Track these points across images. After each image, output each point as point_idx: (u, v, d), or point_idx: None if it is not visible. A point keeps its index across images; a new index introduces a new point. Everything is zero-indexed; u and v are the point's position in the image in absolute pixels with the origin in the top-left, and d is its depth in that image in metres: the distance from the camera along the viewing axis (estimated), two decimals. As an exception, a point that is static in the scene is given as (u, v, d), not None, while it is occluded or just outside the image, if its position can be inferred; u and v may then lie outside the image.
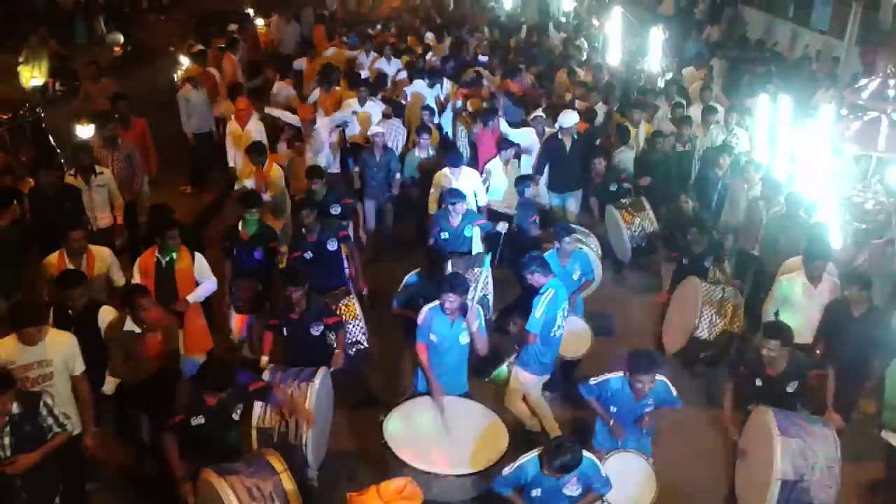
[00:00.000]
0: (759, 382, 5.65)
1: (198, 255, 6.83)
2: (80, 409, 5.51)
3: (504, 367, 6.72)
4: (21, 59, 14.81)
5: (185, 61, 14.21)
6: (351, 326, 6.79)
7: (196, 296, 6.74)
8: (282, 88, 12.25)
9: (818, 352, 6.44)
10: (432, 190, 9.15)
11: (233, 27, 16.81)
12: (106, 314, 5.96)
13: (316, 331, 6.26)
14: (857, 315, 6.37)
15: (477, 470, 5.29)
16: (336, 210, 8.18)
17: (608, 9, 17.72)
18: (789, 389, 5.61)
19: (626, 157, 10.14)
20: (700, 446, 6.79)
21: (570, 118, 9.67)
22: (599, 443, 5.78)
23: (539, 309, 6.25)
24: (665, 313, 8.07)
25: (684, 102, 11.58)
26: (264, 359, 6.27)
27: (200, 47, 14.06)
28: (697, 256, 7.79)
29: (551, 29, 19.32)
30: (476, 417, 5.80)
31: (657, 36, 14.47)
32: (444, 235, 8.00)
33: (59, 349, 5.38)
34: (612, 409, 5.58)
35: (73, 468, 5.43)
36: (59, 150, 10.78)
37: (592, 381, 5.60)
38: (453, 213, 7.94)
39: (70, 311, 5.85)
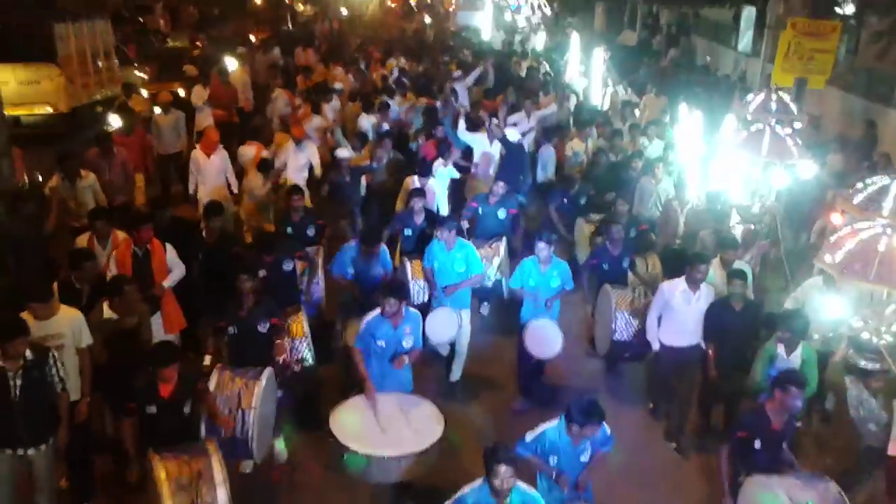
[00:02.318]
0: (758, 444, 5.38)
1: (168, 246, 7.36)
2: (81, 378, 5.98)
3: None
4: None
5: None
6: (297, 343, 6.85)
7: (171, 281, 7.32)
8: (280, 94, 13.42)
9: (710, 353, 6.72)
10: (402, 193, 9.59)
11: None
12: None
13: (263, 328, 6.34)
14: (738, 309, 6.68)
15: (414, 451, 5.42)
16: (311, 232, 8.38)
17: (568, 42, 19.19)
18: (785, 445, 5.49)
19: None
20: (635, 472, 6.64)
21: (511, 134, 10.85)
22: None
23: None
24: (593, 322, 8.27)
25: (639, 124, 12.67)
26: (207, 358, 6.61)
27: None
28: (616, 258, 7.92)
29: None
30: (416, 407, 5.95)
31: (599, 57, 15.78)
32: (407, 233, 8.31)
33: (69, 323, 5.92)
34: (553, 459, 5.17)
35: (77, 433, 5.84)
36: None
37: (528, 436, 5.21)
38: (416, 211, 8.30)
39: (79, 287, 6.51)
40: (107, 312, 6.29)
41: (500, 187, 9.01)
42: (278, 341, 6.44)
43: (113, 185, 9.53)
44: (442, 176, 10.10)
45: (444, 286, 7.47)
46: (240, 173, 10.36)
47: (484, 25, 27.41)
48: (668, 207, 9.50)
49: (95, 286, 6.59)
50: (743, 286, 6.70)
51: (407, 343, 6.21)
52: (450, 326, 7.30)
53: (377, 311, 6.18)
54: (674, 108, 13.31)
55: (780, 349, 6.21)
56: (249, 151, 10.64)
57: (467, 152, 11.17)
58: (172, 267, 7.36)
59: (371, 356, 6.19)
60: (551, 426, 5.21)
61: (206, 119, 12.63)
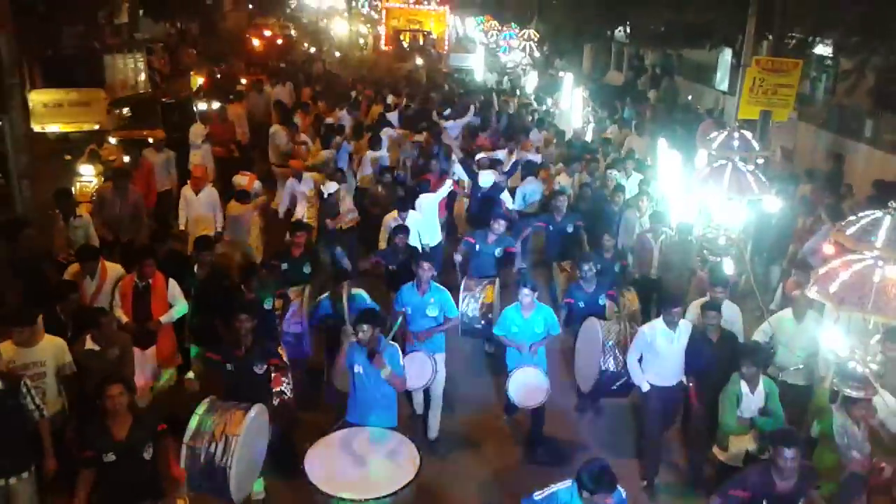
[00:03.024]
0: None
1: (171, 281, 7.50)
2: (67, 405, 6.18)
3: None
4: None
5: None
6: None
7: (168, 317, 7.46)
8: (278, 130, 13.82)
9: (691, 386, 6.88)
10: (382, 230, 9.69)
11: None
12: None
13: (259, 369, 6.29)
14: (714, 340, 6.86)
15: (383, 494, 5.31)
16: (307, 269, 8.40)
17: (560, 82, 19.89)
18: None
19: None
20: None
21: (486, 178, 11.18)
22: None
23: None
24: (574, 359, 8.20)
25: (622, 157, 13.21)
26: (191, 373, 6.82)
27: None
28: (591, 295, 7.98)
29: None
30: (392, 445, 5.83)
31: (580, 96, 16.42)
32: (392, 268, 8.45)
33: (52, 351, 6.10)
34: None
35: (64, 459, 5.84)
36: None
37: (537, 495, 4.89)
38: (400, 248, 8.46)
39: (62, 317, 6.71)
40: (89, 344, 6.43)
41: (500, 225, 9.04)
42: (277, 376, 6.44)
43: (123, 221, 9.75)
44: (430, 207, 10.33)
45: (417, 331, 7.33)
46: None
47: (476, 67, 28.25)
48: (641, 240, 9.77)
49: (79, 318, 6.71)
50: (717, 317, 6.86)
51: (385, 374, 6.04)
52: (424, 372, 7.19)
53: (354, 338, 6.14)
54: (654, 145, 13.69)
55: (744, 387, 6.31)
56: (241, 181, 11.07)
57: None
58: (174, 302, 7.48)
59: (352, 386, 6.14)
60: (563, 487, 4.86)
61: (200, 157, 12.91)
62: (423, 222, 9.86)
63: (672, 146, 11.77)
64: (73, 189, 11.02)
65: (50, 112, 16.30)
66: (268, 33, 36.13)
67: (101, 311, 6.73)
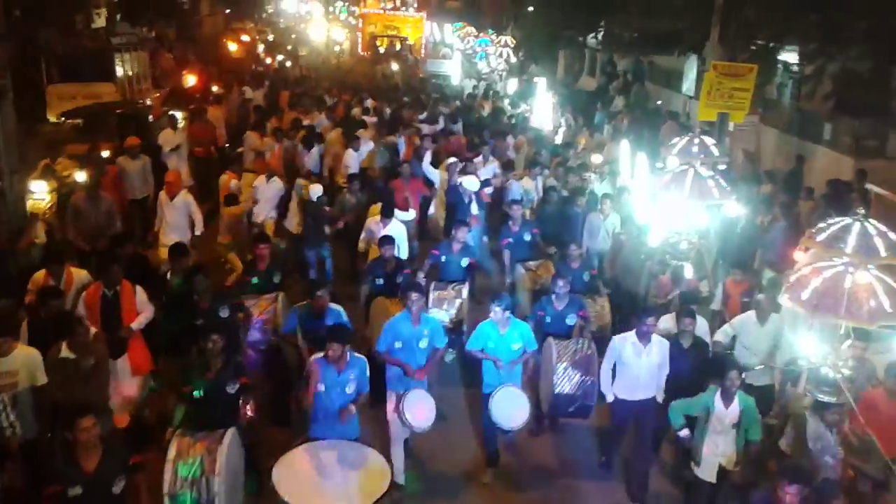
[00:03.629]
0: None
1: (138, 288, 7.40)
2: (36, 417, 6.14)
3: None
4: None
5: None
6: None
7: (138, 323, 7.35)
8: (249, 135, 14.02)
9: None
10: (365, 232, 9.92)
11: None
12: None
13: (231, 388, 6.14)
14: (687, 346, 6.95)
15: None
16: (276, 279, 8.29)
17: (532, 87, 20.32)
18: None
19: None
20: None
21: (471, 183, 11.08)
22: None
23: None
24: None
25: (586, 163, 13.29)
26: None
27: None
28: (559, 313, 7.77)
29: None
30: (360, 457, 5.83)
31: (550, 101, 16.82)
32: (379, 282, 8.34)
33: (24, 362, 6.06)
34: None
35: (36, 471, 5.92)
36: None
37: None
38: (387, 259, 8.35)
39: (45, 321, 6.69)
40: (64, 352, 6.33)
41: (464, 233, 9.09)
42: (248, 404, 6.25)
43: (98, 229, 9.69)
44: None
45: (415, 368, 6.88)
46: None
47: (453, 72, 28.65)
48: (616, 241, 9.96)
49: (56, 325, 6.59)
50: (692, 324, 6.98)
51: (349, 389, 6.08)
52: (430, 410, 6.79)
53: (321, 354, 6.13)
54: (615, 147, 13.86)
55: (718, 401, 6.23)
56: (224, 180, 11.46)
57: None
58: (142, 309, 7.40)
59: (315, 401, 6.06)
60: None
61: (175, 163, 13.06)
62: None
63: (639, 149, 12.21)
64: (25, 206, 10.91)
65: (65, 104, 17.66)
66: (245, 38, 36.30)
67: (76, 318, 6.61)
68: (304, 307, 7.28)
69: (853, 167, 13.02)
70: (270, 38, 42.54)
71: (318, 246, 10.40)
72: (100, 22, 31.59)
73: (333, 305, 7.29)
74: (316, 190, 10.58)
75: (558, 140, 16.26)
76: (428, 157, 12.35)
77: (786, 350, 7.14)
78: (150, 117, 15.76)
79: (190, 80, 22.85)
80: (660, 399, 6.99)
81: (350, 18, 48.51)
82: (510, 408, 6.91)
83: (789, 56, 17.24)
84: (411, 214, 11.21)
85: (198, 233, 10.31)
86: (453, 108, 19.10)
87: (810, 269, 5.76)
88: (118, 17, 31.97)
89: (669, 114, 18.54)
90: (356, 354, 6.32)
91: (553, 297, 7.76)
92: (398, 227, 9.81)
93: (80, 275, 7.70)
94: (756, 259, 10.07)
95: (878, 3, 12.86)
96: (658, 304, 8.57)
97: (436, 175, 12.13)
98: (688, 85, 18.88)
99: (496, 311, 6.99)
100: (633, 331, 6.89)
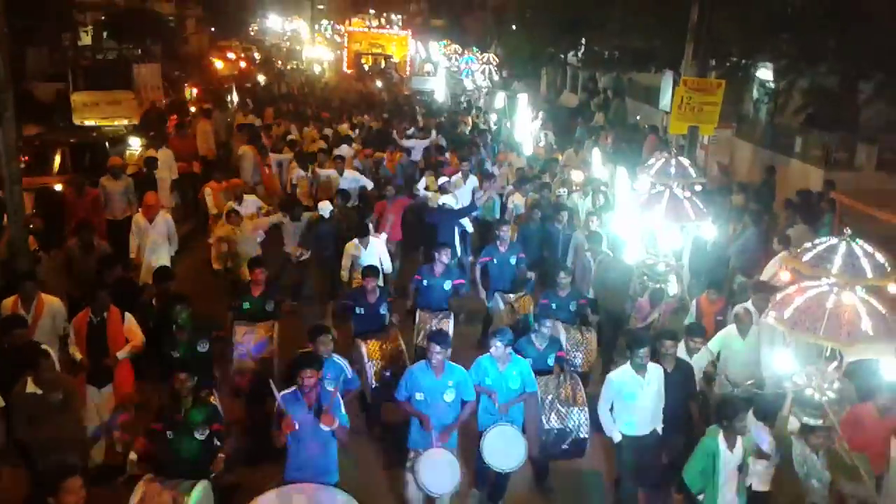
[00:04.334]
0: None
1: (127, 315, 7.06)
2: None
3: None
4: None
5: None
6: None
7: (125, 352, 6.98)
8: (247, 151, 13.83)
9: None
10: (344, 260, 9.48)
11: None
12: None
13: (201, 434, 5.63)
14: (670, 370, 6.63)
15: None
16: (269, 307, 7.96)
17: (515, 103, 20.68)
18: None
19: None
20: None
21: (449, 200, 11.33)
22: None
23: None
24: None
25: (565, 179, 13.29)
26: (133, 456, 5.97)
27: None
28: (541, 352, 7.21)
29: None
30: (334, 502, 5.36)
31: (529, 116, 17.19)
32: (360, 311, 7.89)
33: None
34: None
35: None
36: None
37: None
38: (370, 290, 7.89)
39: (7, 346, 6.39)
40: (30, 387, 5.93)
41: (446, 255, 8.66)
42: (221, 455, 5.73)
43: (92, 276, 8.82)
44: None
45: (436, 424, 6.15)
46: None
47: (438, 89, 29.11)
48: (581, 259, 9.70)
49: (23, 355, 6.18)
50: (673, 346, 6.73)
51: (332, 427, 5.47)
52: (453, 474, 6.07)
53: (289, 389, 5.55)
54: (598, 165, 13.52)
55: (722, 443, 5.72)
56: (208, 190, 11.50)
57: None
58: (130, 337, 7.06)
59: (288, 442, 5.49)
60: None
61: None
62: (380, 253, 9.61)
63: (617, 162, 12.52)
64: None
65: (88, 109, 19.68)
66: (231, 56, 36.69)
67: (41, 351, 6.17)
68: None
69: (822, 178, 13.48)
70: (256, 56, 42.93)
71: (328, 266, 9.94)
72: (86, 40, 31.97)
73: (336, 358, 6.54)
74: (326, 208, 10.32)
75: (528, 153, 16.20)
76: (423, 182, 12.25)
77: (766, 365, 7.03)
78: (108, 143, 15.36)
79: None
80: (659, 429, 6.62)
81: (336, 37, 49.08)
82: (504, 448, 6.35)
83: (765, 74, 17.79)
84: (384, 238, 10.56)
85: (172, 253, 10.16)
86: (437, 124, 19.47)
87: (795, 288, 5.66)
88: (104, 34, 32.34)
89: (651, 128, 18.97)
90: (329, 388, 5.72)
91: (533, 336, 7.25)
92: (378, 247, 9.58)
93: (51, 301, 7.40)
94: (729, 269, 10.21)
95: (845, 22, 13.38)
96: (637, 327, 8.47)
97: (432, 199, 11.87)
98: (665, 101, 19.33)
99: (497, 347, 6.48)
100: (628, 364, 6.48)
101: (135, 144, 15.98)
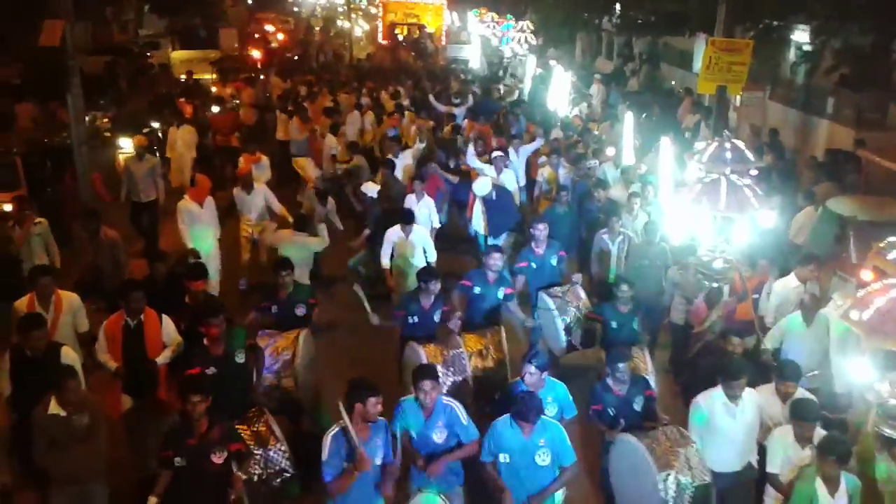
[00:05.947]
0: None
1: (165, 318, 6.54)
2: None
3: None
4: None
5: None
6: (271, 453, 5.72)
7: (164, 357, 6.49)
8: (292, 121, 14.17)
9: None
10: (385, 245, 8.90)
11: None
12: (67, 353, 6.01)
13: (218, 458, 5.12)
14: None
15: None
16: (301, 311, 7.13)
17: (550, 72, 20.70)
18: None
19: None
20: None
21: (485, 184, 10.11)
22: None
23: None
24: None
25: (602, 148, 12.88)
26: (152, 500, 5.15)
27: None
28: (624, 399, 6.13)
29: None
30: None
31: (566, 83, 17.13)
32: (414, 319, 7.03)
33: None
34: None
35: None
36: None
37: None
38: (425, 294, 6.97)
39: (29, 353, 5.87)
40: (53, 408, 5.37)
41: (497, 259, 7.50)
42: (237, 472, 5.26)
43: (99, 268, 8.62)
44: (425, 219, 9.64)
45: (426, 458, 5.42)
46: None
47: (473, 57, 29.29)
48: (598, 240, 9.04)
49: (45, 368, 5.71)
50: (741, 344, 6.47)
51: (377, 459, 4.99)
52: None
53: (335, 427, 4.96)
54: (619, 131, 12.82)
55: (821, 487, 5.04)
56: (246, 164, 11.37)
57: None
58: (169, 342, 6.55)
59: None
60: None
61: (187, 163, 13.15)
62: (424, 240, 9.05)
63: (648, 127, 12.50)
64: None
65: (183, 65, 25.80)
66: (269, 28, 37.22)
67: (68, 370, 5.58)
68: None
69: (853, 138, 13.59)
70: (292, 27, 43.39)
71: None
72: (128, 14, 32.78)
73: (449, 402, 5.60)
74: (371, 189, 9.95)
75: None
76: (472, 149, 11.25)
77: (836, 367, 6.51)
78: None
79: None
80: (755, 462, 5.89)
81: (371, 7, 49.17)
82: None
83: (802, 36, 17.72)
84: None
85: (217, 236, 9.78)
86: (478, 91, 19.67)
87: (879, 286, 5.07)
88: (146, 8, 33.07)
89: (686, 90, 18.97)
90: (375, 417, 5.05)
91: (609, 381, 6.05)
92: (422, 234, 9.02)
93: (70, 298, 6.85)
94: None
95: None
96: (695, 333, 7.73)
97: (484, 169, 10.89)
98: (699, 64, 19.37)
99: (531, 373, 5.71)
100: (719, 387, 5.72)
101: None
